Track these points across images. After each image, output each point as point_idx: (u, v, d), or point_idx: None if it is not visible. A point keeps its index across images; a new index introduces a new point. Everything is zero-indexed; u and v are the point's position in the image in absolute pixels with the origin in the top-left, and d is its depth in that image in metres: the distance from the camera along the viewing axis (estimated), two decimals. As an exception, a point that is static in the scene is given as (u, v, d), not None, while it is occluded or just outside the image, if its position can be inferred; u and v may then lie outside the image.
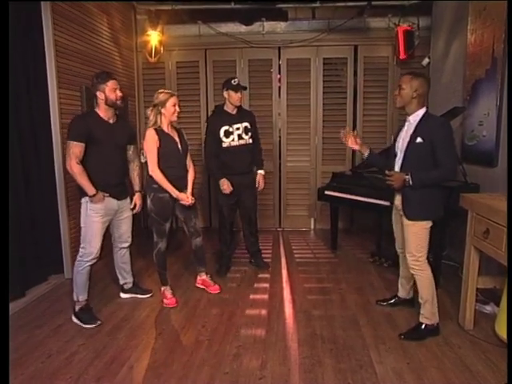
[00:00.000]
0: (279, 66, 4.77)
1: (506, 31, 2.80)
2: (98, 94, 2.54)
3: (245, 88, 3.34)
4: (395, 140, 2.48)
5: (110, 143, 2.60)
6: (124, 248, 2.92)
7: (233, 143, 3.28)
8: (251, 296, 3.05)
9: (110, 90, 2.54)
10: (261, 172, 3.49)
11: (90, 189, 2.53)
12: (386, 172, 2.38)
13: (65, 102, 3.28)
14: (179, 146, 2.82)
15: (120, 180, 2.76)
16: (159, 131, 2.74)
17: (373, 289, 3.13)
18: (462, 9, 3.56)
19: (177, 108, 2.76)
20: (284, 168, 4.94)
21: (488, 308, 2.68)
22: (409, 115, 2.35)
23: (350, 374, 2.05)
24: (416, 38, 4.26)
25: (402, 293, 2.78)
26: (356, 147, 2.60)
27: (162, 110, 2.73)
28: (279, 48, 4.73)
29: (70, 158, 2.48)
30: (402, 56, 4.27)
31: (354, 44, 4.65)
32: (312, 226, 5.03)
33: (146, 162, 2.79)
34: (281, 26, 4.73)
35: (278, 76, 4.80)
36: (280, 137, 4.90)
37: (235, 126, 3.27)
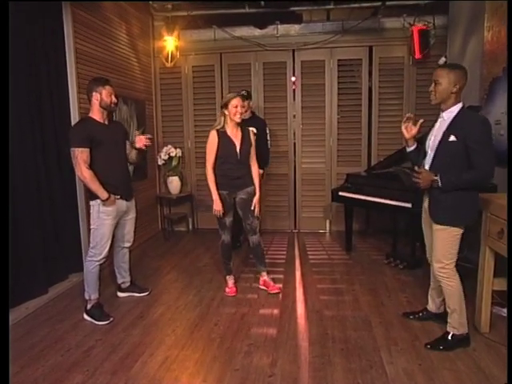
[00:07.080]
0: (293, 68, 4.80)
1: (507, 32, 2.75)
2: (93, 94, 2.61)
3: None
4: (424, 139, 2.30)
5: (111, 143, 2.68)
6: (126, 248, 3.01)
7: None
8: (264, 296, 3.07)
9: (106, 94, 2.63)
10: None
11: (102, 193, 2.58)
12: (416, 168, 2.21)
13: (85, 106, 3.39)
14: (237, 149, 2.89)
15: (127, 178, 2.85)
16: (220, 133, 2.86)
17: (387, 290, 3.10)
18: (479, 6, 3.50)
19: (238, 109, 2.80)
20: (299, 170, 4.95)
21: (505, 311, 2.61)
22: (443, 111, 2.16)
23: (360, 374, 2.05)
24: (432, 37, 4.22)
25: (432, 306, 2.56)
26: (407, 136, 2.32)
27: (226, 112, 2.84)
28: (293, 50, 4.76)
29: (79, 164, 2.52)
30: (418, 56, 4.23)
31: (368, 45, 4.63)
32: (327, 228, 5.02)
33: None
34: (295, 28, 4.76)
35: (293, 78, 4.82)
36: (295, 139, 4.92)
37: None
